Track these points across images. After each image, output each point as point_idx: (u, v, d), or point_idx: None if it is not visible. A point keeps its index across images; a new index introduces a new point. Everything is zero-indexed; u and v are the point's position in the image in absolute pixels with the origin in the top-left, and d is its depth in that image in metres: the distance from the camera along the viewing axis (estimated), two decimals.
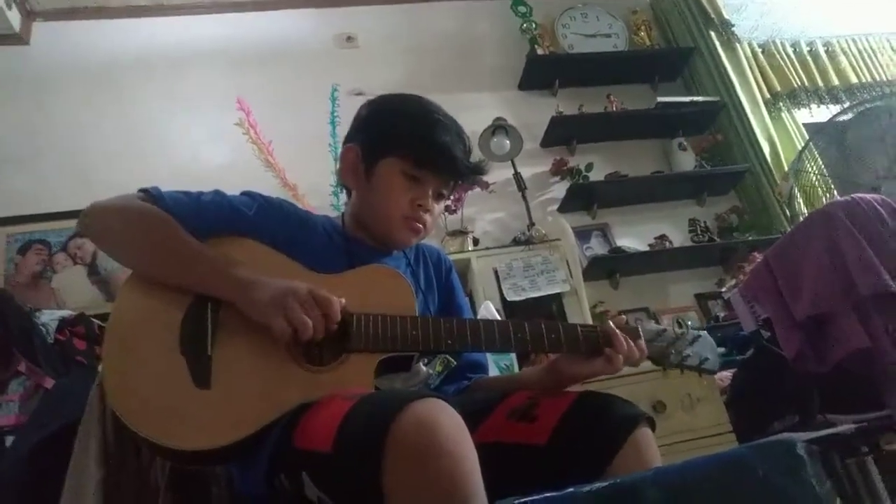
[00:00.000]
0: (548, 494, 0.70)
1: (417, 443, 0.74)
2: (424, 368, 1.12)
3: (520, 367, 2.46)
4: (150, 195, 1.08)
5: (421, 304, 1.24)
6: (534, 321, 1.12)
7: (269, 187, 2.94)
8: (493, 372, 2.13)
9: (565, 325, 1.12)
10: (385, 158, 1.19)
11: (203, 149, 3.24)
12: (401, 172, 1.18)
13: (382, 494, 0.73)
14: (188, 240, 1.04)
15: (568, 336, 1.11)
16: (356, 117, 1.28)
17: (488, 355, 2.41)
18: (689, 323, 1.23)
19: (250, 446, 0.94)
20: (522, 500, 0.69)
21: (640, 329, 1.14)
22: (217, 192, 1.15)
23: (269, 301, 0.98)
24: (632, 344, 1.09)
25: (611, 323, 1.12)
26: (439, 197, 1.24)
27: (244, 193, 1.19)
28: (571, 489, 0.70)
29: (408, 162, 1.17)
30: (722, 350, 2.60)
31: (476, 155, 1.28)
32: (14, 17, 3.32)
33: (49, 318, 2.12)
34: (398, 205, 1.18)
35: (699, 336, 1.19)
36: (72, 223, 2.86)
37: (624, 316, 1.20)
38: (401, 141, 1.18)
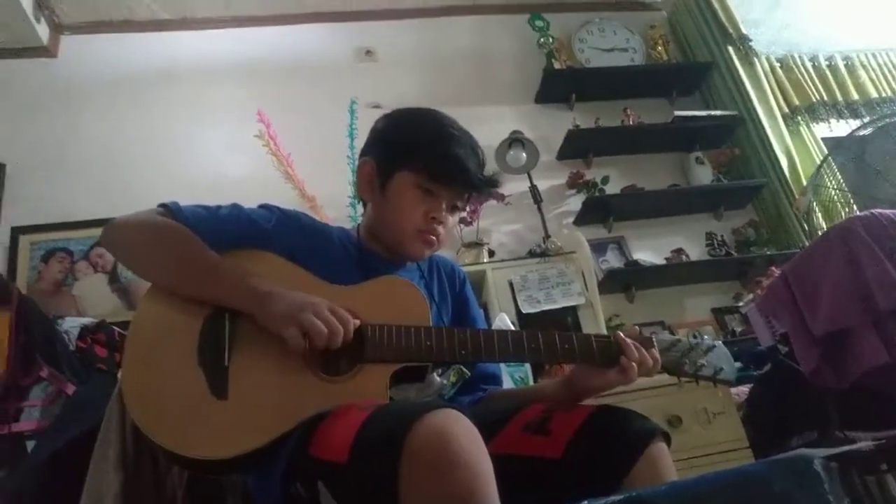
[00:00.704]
0: None
1: (434, 453, 0.74)
2: (438, 379, 1.13)
3: (535, 380, 2.45)
4: (169, 210, 1.11)
5: (435, 316, 1.25)
6: (547, 331, 1.12)
7: (287, 199, 2.97)
8: (508, 384, 2.13)
9: (579, 335, 1.12)
10: (399, 172, 1.20)
11: (224, 160, 3.29)
12: (415, 185, 1.19)
13: None
14: (206, 253, 1.06)
15: (581, 346, 1.11)
16: (372, 131, 1.30)
17: (503, 368, 2.41)
18: (706, 337, 1.22)
19: (266, 456, 0.95)
20: None
21: (653, 339, 1.14)
22: (235, 206, 1.17)
23: (285, 312, 0.99)
24: (645, 353, 1.09)
25: (620, 334, 1.12)
26: (454, 209, 1.24)
27: (262, 206, 1.21)
28: (586, 502, 0.70)
29: (422, 175, 1.18)
30: (738, 365, 2.58)
31: (490, 168, 1.28)
32: (43, 31, 3.40)
33: (71, 325, 2.16)
34: (412, 218, 1.19)
35: (714, 346, 1.19)
36: (94, 232, 2.92)
37: (637, 327, 1.18)
38: (415, 154, 1.19)
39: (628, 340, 1.09)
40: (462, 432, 0.77)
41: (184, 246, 1.06)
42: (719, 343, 1.21)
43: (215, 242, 1.08)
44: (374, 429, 0.82)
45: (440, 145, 1.19)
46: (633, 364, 1.07)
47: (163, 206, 1.12)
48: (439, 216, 1.20)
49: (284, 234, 1.16)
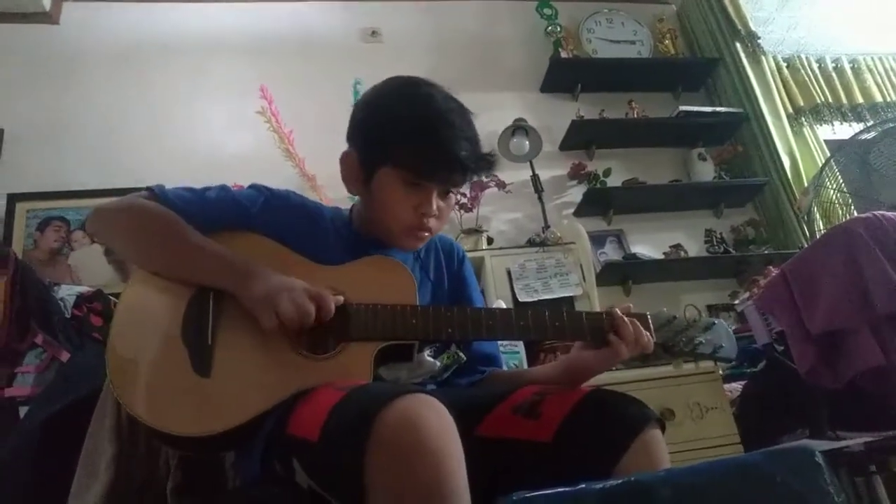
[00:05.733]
0: (559, 489, 0.69)
1: (401, 438, 0.73)
2: (430, 359, 1.11)
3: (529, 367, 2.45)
4: (154, 193, 1.10)
5: (429, 294, 1.23)
6: (537, 309, 1.10)
7: (287, 176, 2.96)
8: None
9: (570, 312, 1.10)
10: (382, 168, 1.13)
11: (225, 135, 3.26)
12: (400, 181, 1.12)
13: (365, 487, 0.73)
14: (190, 235, 1.06)
15: (572, 323, 1.09)
16: (352, 117, 1.22)
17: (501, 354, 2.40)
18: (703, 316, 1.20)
19: (248, 433, 0.95)
20: (530, 494, 0.68)
21: (648, 316, 1.12)
22: (222, 188, 1.16)
23: (263, 296, 0.99)
24: (640, 329, 1.08)
25: (618, 310, 1.10)
26: (447, 194, 1.18)
27: (251, 187, 1.20)
28: (583, 485, 0.69)
29: (406, 170, 1.11)
30: (733, 362, 2.59)
31: (484, 144, 1.18)
32: None
33: (67, 292, 2.14)
34: (401, 215, 1.13)
35: (714, 323, 1.16)
36: (91, 202, 2.89)
37: (630, 304, 1.17)
38: (396, 148, 1.11)
39: (623, 317, 1.08)
40: (432, 418, 0.76)
41: (167, 229, 1.06)
42: (720, 320, 1.18)
43: (202, 225, 1.08)
44: (346, 410, 0.81)
45: (422, 133, 1.09)
46: (627, 340, 1.06)
47: (148, 189, 1.12)
48: (430, 210, 1.13)
49: (272, 214, 1.15)
